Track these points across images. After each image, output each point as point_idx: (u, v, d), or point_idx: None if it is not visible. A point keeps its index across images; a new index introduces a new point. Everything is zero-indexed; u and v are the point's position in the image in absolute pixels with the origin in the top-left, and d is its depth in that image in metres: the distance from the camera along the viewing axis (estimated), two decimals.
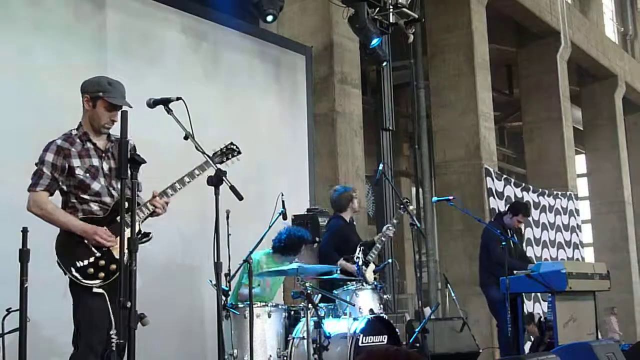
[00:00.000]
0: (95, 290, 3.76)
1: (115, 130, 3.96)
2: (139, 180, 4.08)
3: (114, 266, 3.81)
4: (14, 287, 3.70)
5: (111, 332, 3.60)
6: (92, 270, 3.79)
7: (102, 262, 3.82)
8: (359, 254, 6.01)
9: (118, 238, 3.78)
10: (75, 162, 3.92)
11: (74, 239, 3.83)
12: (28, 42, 5.66)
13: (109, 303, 3.68)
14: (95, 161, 3.98)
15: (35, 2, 5.78)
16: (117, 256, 3.80)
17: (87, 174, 3.93)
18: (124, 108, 3.84)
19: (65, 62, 5.87)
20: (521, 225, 7.47)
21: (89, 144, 3.99)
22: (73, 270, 3.78)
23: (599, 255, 14.84)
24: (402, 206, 6.36)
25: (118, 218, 3.88)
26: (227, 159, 4.26)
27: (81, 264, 3.79)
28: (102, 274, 3.80)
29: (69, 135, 3.99)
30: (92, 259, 3.82)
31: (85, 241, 3.83)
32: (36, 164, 3.92)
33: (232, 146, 4.29)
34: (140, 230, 3.97)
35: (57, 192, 3.99)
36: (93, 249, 3.83)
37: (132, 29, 6.54)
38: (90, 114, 3.99)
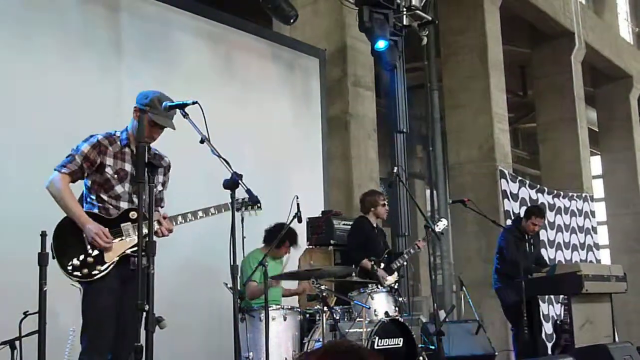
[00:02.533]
0: (72, 283, 3.78)
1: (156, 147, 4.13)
2: (163, 197, 4.14)
3: (100, 267, 3.83)
4: (33, 291, 3.74)
5: (70, 329, 3.64)
6: (77, 263, 3.81)
7: (90, 260, 3.83)
8: (382, 259, 6.05)
9: (114, 242, 3.85)
10: (109, 160, 3.99)
11: (75, 230, 3.86)
12: (44, 46, 5.70)
13: (81, 302, 3.73)
14: (128, 166, 4.04)
15: (50, 6, 5.83)
16: (106, 260, 3.84)
17: (116, 176, 4.00)
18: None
19: (81, 66, 5.92)
20: (536, 227, 7.42)
21: (127, 149, 4.07)
22: (61, 258, 3.81)
23: (615, 257, 14.73)
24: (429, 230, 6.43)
25: (122, 225, 3.92)
26: (245, 209, 4.23)
27: (70, 255, 3.82)
28: (85, 271, 3.81)
29: (111, 134, 4.09)
30: (82, 255, 3.83)
31: (84, 235, 3.86)
32: (72, 150, 4.00)
33: (255, 200, 4.14)
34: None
35: (77, 185, 4.04)
36: (87, 245, 3.85)
37: (147, 33, 6.57)
38: (135, 125, 4.07)
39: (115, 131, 4.10)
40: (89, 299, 3.78)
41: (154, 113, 3.97)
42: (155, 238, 3.99)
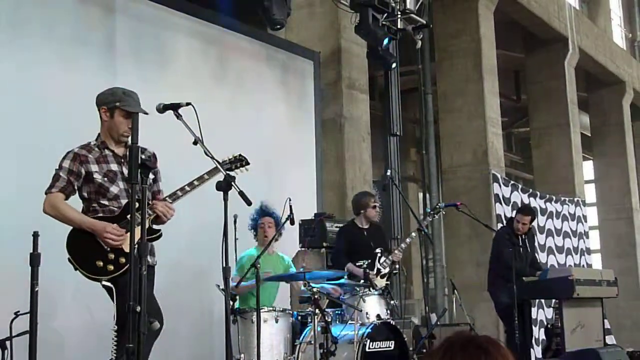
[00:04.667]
0: (104, 283, 3.78)
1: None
2: (161, 188, 4.13)
3: (123, 259, 3.84)
4: (24, 291, 3.73)
5: (112, 328, 3.61)
6: (101, 263, 3.83)
7: (112, 256, 3.86)
8: (372, 260, 6.06)
9: (128, 234, 3.82)
10: (93, 167, 4.02)
11: (86, 236, 3.88)
12: (38, 46, 5.69)
13: (115, 297, 3.69)
14: (114, 166, 4.07)
15: (45, 7, 5.82)
16: (127, 250, 3.83)
17: (105, 178, 4.02)
18: (141, 115, 3.89)
19: (75, 66, 5.91)
20: (522, 226, 7.41)
21: (107, 151, 4.09)
22: (85, 266, 3.82)
23: (607, 262, 14.78)
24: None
25: (128, 216, 3.89)
26: (236, 167, 4.28)
27: (92, 259, 3.83)
28: (111, 267, 3.83)
29: (86, 144, 4.11)
30: (102, 255, 3.85)
31: (97, 238, 3.87)
32: (55, 170, 4.03)
33: (240, 157, 4.31)
34: (150, 227, 3.98)
35: (78, 200, 4.06)
36: (103, 244, 3.87)
37: (141, 33, 6.57)
38: (109, 125, 4.09)
39: (89, 141, 4.12)
40: (122, 294, 3.69)
41: (125, 104, 4.01)
42: (161, 226, 4.06)
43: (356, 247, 6.40)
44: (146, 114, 3.98)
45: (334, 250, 6.76)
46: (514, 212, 7.81)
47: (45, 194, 4.01)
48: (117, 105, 4.02)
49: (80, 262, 3.85)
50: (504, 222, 9.57)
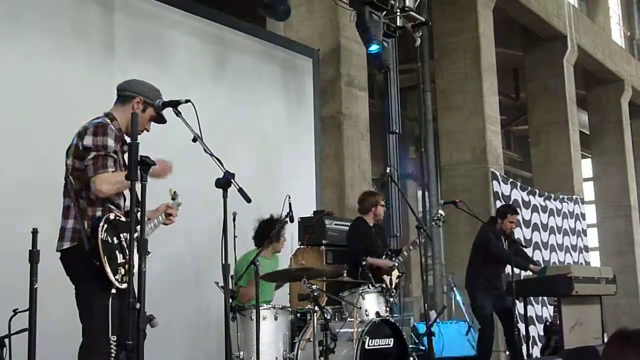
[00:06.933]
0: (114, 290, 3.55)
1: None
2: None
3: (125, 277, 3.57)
4: (23, 288, 3.72)
5: (110, 337, 3.50)
6: (123, 270, 3.59)
7: (122, 270, 3.60)
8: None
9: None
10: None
11: (114, 239, 3.61)
12: (37, 44, 5.68)
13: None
14: (122, 160, 3.83)
15: (44, 4, 5.81)
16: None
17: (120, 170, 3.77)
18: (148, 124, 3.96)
19: (74, 64, 5.90)
20: (514, 225, 7.41)
21: (124, 145, 3.85)
22: (112, 271, 3.55)
23: (605, 260, 14.80)
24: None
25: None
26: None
27: (117, 264, 3.58)
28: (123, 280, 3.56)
29: (111, 128, 3.79)
30: (123, 260, 3.62)
31: (123, 242, 3.62)
32: (91, 150, 3.66)
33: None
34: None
35: (63, 189, 3.75)
36: (126, 250, 3.61)
37: (140, 31, 6.56)
38: (137, 116, 3.67)
39: (107, 123, 3.80)
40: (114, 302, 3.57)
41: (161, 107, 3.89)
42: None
43: (369, 244, 6.41)
44: (165, 122, 3.94)
45: (352, 248, 6.55)
46: (499, 213, 7.58)
47: (99, 172, 3.61)
48: (154, 104, 3.89)
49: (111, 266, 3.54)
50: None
